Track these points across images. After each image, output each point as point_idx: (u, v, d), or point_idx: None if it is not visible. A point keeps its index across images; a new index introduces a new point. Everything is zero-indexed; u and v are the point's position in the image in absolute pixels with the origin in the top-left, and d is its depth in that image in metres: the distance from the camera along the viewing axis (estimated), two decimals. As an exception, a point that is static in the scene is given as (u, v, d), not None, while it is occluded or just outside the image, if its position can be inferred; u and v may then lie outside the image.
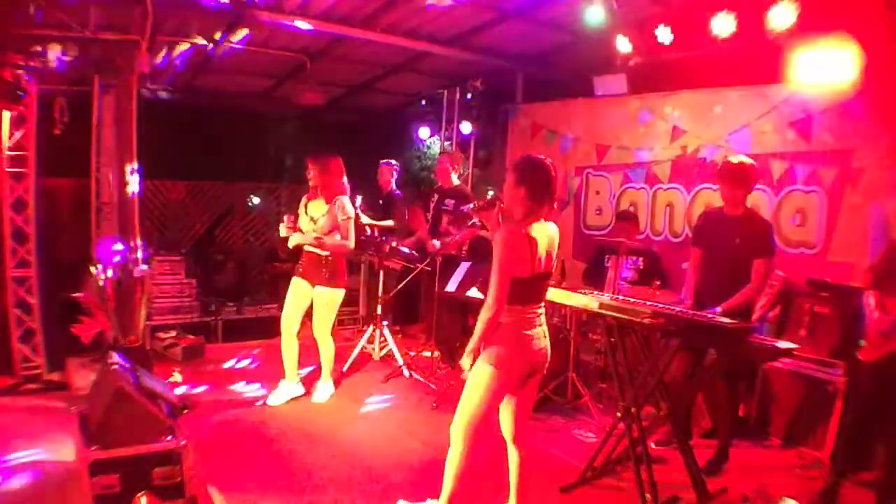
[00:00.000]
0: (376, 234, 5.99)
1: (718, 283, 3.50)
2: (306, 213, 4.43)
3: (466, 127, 6.98)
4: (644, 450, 3.10)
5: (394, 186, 6.46)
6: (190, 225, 7.55)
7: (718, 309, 3.29)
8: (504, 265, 2.53)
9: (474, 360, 2.66)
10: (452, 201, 5.55)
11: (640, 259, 4.69)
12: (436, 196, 5.69)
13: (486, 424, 2.66)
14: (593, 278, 4.91)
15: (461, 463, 2.66)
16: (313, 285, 4.37)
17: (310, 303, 4.41)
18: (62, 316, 5.04)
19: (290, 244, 4.40)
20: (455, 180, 5.67)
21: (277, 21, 5.03)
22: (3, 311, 4.51)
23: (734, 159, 3.56)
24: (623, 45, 4.88)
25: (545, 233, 2.68)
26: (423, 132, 7.87)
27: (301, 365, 4.58)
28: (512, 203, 2.68)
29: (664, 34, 4.60)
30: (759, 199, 4.68)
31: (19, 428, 3.72)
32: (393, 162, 6.53)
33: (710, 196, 5.06)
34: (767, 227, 3.54)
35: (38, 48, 4.17)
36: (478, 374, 2.61)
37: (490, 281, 2.55)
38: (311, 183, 4.41)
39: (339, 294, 4.41)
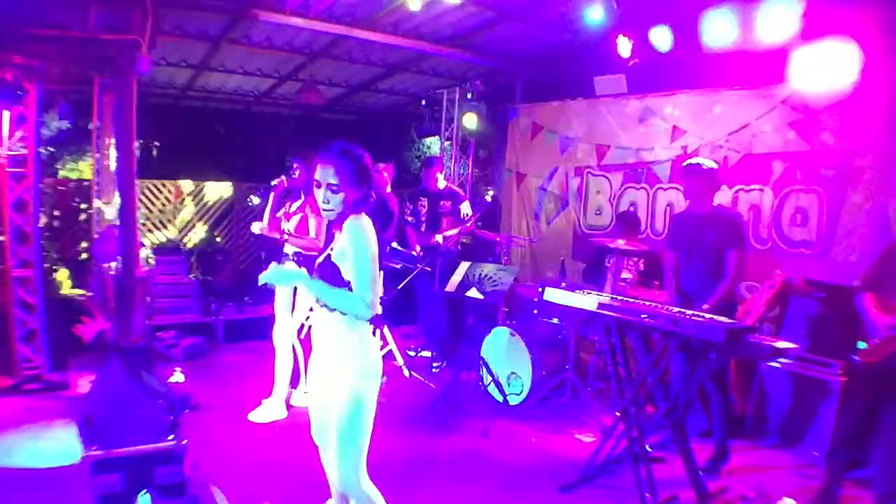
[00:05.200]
0: None
1: (700, 280, 3.66)
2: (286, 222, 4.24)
3: (471, 119, 6.88)
4: (643, 449, 3.11)
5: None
6: (190, 225, 7.56)
7: (706, 306, 3.41)
8: (373, 260, 2.21)
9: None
10: (448, 203, 5.64)
11: (640, 260, 4.70)
12: (424, 199, 5.71)
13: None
14: (593, 279, 4.92)
15: None
16: None
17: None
18: (64, 316, 5.07)
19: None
20: (442, 183, 5.73)
21: (277, 21, 5.04)
22: (5, 312, 4.51)
23: (694, 160, 3.80)
24: (623, 45, 4.89)
25: None
26: (423, 132, 7.88)
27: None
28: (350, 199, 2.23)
29: (663, 35, 4.61)
30: (760, 199, 4.71)
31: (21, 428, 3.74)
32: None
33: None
34: (737, 219, 3.79)
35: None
36: (357, 407, 2.24)
37: (359, 277, 2.17)
38: (285, 184, 4.19)
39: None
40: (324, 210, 2.25)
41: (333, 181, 2.19)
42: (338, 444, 2.27)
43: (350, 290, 2.20)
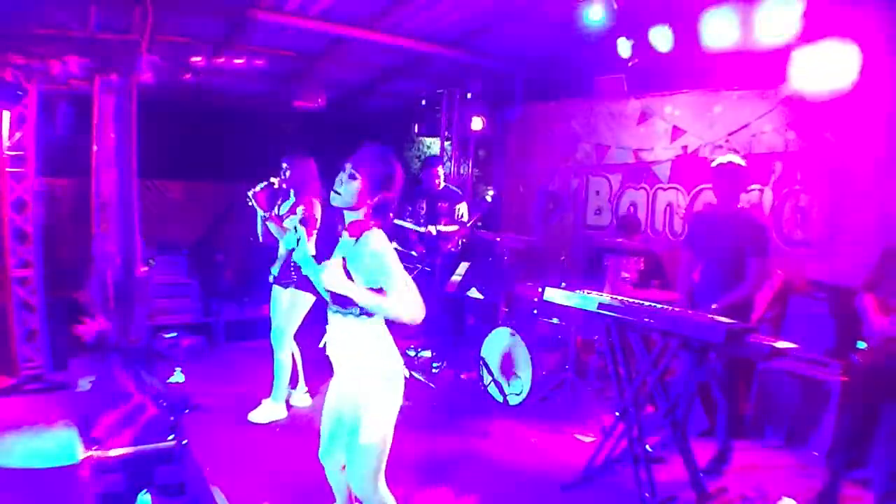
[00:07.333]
0: None
1: (714, 282, 3.55)
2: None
3: (478, 123, 6.86)
4: (643, 449, 3.11)
5: None
6: (190, 225, 7.55)
7: (714, 305, 3.34)
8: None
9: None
10: (445, 203, 5.65)
11: (641, 260, 4.70)
12: (423, 201, 5.71)
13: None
14: (592, 279, 4.92)
15: None
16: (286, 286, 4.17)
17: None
18: (65, 316, 5.06)
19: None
20: (441, 183, 5.75)
21: (277, 21, 5.04)
22: (5, 312, 4.51)
23: (724, 159, 3.63)
24: (623, 45, 4.89)
25: None
26: (423, 132, 7.87)
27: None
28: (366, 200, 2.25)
29: (663, 35, 4.61)
30: (760, 199, 4.71)
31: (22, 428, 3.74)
32: None
33: (711, 196, 5.07)
34: (762, 225, 3.62)
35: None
36: (381, 411, 2.21)
37: (395, 286, 2.24)
38: (276, 185, 4.09)
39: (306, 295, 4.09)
40: (334, 194, 2.21)
41: (355, 172, 2.17)
42: (356, 450, 2.23)
43: None
